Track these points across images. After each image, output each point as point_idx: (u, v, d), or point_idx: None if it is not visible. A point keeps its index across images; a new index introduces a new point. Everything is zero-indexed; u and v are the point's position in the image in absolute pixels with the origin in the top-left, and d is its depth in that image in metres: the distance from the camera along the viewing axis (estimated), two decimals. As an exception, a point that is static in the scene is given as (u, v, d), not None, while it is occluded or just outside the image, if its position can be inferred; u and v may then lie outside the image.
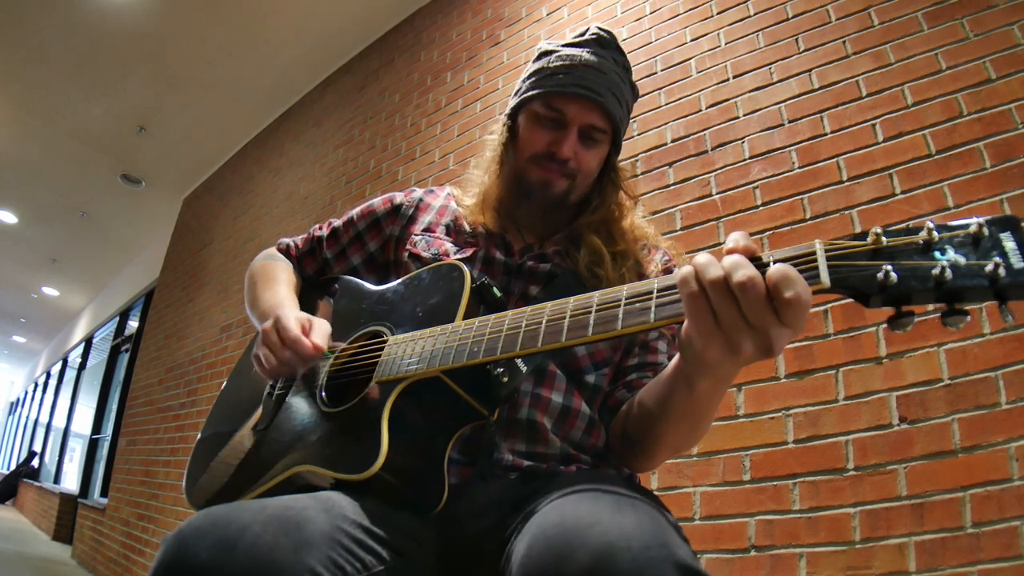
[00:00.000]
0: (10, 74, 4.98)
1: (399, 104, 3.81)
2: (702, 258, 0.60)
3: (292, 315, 0.94)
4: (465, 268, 0.92)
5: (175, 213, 6.78)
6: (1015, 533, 1.35)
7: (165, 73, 4.91)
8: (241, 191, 5.41)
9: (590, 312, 0.68)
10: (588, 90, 1.00)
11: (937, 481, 1.47)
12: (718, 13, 2.40)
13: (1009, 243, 0.51)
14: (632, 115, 2.39)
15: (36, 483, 10.02)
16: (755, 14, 2.29)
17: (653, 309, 0.63)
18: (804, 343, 1.77)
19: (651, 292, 0.65)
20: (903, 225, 0.56)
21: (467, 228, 1.10)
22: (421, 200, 1.19)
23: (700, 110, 2.29)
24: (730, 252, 0.60)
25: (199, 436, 1.14)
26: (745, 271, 0.57)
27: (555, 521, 0.63)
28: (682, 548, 0.59)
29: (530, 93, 1.06)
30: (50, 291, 11.01)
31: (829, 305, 1.76)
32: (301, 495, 0.73)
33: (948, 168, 1.71)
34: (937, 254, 0.52)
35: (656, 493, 1.61)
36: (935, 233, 0.53)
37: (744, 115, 2.17)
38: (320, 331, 0.93)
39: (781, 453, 1.70)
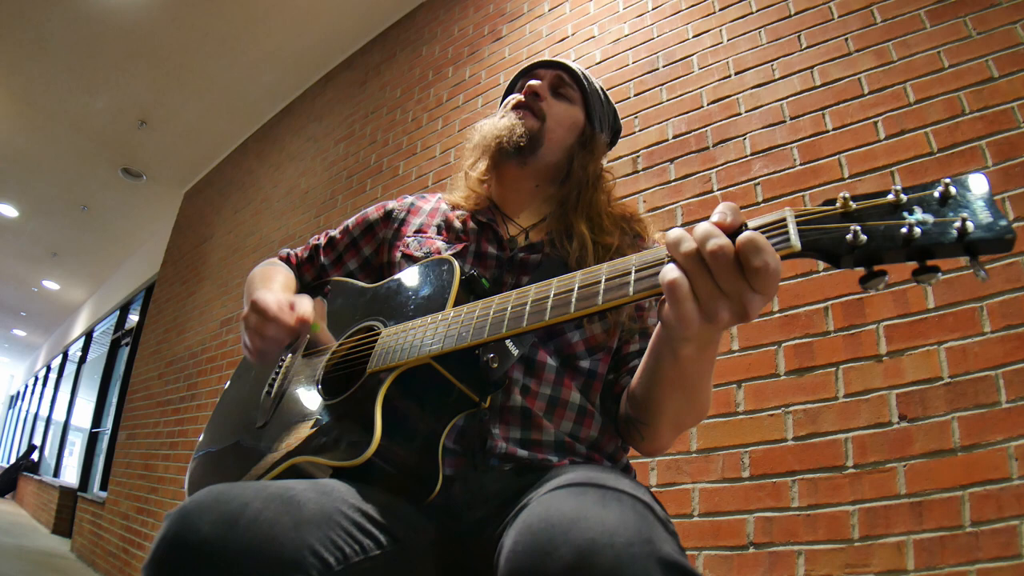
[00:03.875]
0: (11, 67, 4.98)
1: (400, 99, 3.81)
2: (675, 232, 0.61)
3: (270, 295, 0.95)
4: (454, 261, 0.94)
5: (176, 207, 6.78)
6: (1014, 532, 1.35)
7: (166, 67, 4.91)
8: (242, 185, 5.41)
9: (572, 290, 0.69)
10: (555, 60, 1.20)
11: (936, 480, 1.47)
12: (720, 9, 2.40)
13: (977, 201, 0.52)
14: (634, 111, 2.39)
15: (36, 476, 10.03)
16: (757, 11, 2.29)
17: (632, 284, 0.64)
18: (804, 340, 1.77)
19: (630, 269, 0.66)
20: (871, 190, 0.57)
21: (458, 226, 1.13)
22: (412, 204, 1.23)
23: (702, 106, 2.29)
24: (716, 224, 0.60)
25: (200, 437, 1.15)
26: (715, 240, 0.58)
27: (541, 516, 0.63)
28: (668, 544, 0.59)
29: (511, 84, 1.25)
30: (50, 285, 11.02)
31: (829, 303, 1.76)
32: (302, 479, 0.74)
33: (950, 166, 1.71)
34: (905, 214, 0.53)
35: (655, 489, 1.60)
36: (903, 195, 0.54)
37: (746, 111, 2.17)
38: (302, 305, 0.95)
39: (780, 450, 1.70)
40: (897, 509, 1.49)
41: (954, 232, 0.51)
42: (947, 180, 0.53)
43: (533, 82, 1.15)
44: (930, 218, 0.52)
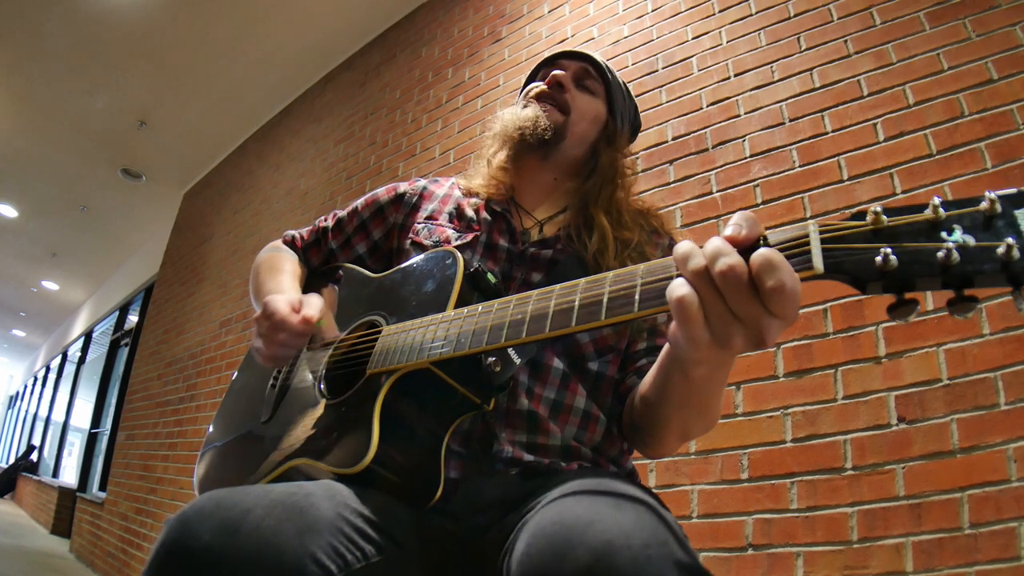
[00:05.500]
0: (12, 67, 4.98)
1: (400, 100, 3.81)
2: (683, 247, 0.56)
3: (280, 298, 0.94)
4: (458, 255, 0.91)
5: (175, 208, 6.78)
6: (1013, 534, 1.35)
7: (166, 68, 4.91)
8: (241, 186, 5.40)
9: (574, 303, 0.65)
10: (579, 51, 1.17)
11: (935, 481, 1.47)
12: (720, 11, 2.40)
13: None
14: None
15: (35, 477, 10.03)
16: (756, 12, 2.29)
17: (637, 300, 0.60)
18: (803, 342, 1.77)
19: (636, 283, 0.61)
20: (906, 204, 0.51)
21: (470, 214, 1.10)
22: (425, 189, 1.20)
23: (701, 108, 2.29)
24: (729, 239, 0.55)
25: (209, 429, 1.14)
26: (726, 259, 0.53)
27: (554, 519, 0.62)
28: (681, 546, 0.58)
29: (533, 71, 1.21)
30: (50, 285, 11.01)
31: (828, 304, 1.76)
32: (304, 482, 0.73)
33: (949, 168, 1.71)
34: (944, 234, 0.47)
35: (654, 491, 1.61)
36: (941, 211, 0.48)
37: (745, 113, 2.17)
38: (310, 306, 0.93)
39: (779, 452, 1.70)
40: (896, 511, 1.49)
41: (998, 259, 0.44)
42: (992, 196, 0.46)
43: (558, 72, 1.12)
44: (971, 240, 0.46)
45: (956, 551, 1.39)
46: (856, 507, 1.54)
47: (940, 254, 0.46)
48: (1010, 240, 0.44)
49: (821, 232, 0.52)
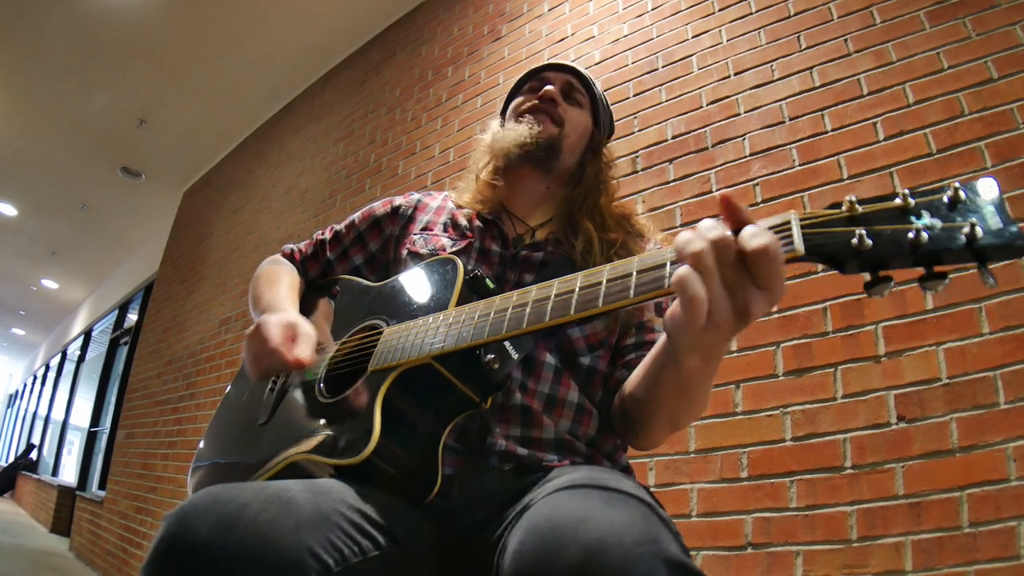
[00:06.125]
0: (11, 66, 4.98)
1: (400, 99, 3.81)
2: (685, 235, 0.60)
3: (276, 321, 0.94)
4: (458, 261, 0.94)
5: (175, 206, 6.78)
6: (1012, 533, 1.35)
7: (166, 67, 4.91)
8: (241, 185, 5.40)
9: (573, 292, 0.68)
10: (564, 64, 1.21)
11: (934, 480, 1.47)
12: (720, 10, 2.40)
13: (988, 206, 0.51)
14: (633, 111, 2.39)
15: (34, 475, 10.03)
16: (756, 11, 2.29)
17: (633, 286, 0.63)
18: (802, 341, 1.77)
19: (631, 271, 0.65)
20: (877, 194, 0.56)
21: (463, 223, 1.14)
22: (419, 201, 1.23)
23: (701, 107, 2.29)
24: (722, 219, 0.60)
25: (202, 443, 1.15)
26: (718, 230, 0.58)
27: (547, 516, 0.63)
28: (673, 544, 0.59)
29: (517, 85, 1.25)
30: (49, 284, 11.01)
31: (828, 303, 1.76)
32: (301, 480, 0.73)
33: (949, 167, 1.71)
34: (913, 218, 0.52)
35: (653, 489, 1.61)
36: (910, 199, 0.53)
37: (745, 112, 2.17)
38: (304, 342, 0.93)
39: (779, 451, 1.70)
40: (895, 510, 1.49)
41: (962, 238, 0.49)
42: (956, 184, 0.52)
43: (549, 87, 1.15)
44: (938, 223, 0.51)
45: (955, 550, 1.40)
46: (855, 506, 1.54)
47: (910, 235, 0.51)
48: (973, 220, 0.50)
49: (801, 219, 0.57)
